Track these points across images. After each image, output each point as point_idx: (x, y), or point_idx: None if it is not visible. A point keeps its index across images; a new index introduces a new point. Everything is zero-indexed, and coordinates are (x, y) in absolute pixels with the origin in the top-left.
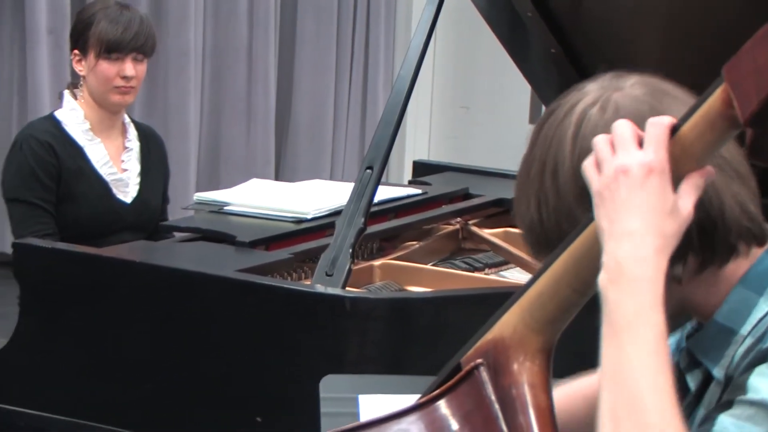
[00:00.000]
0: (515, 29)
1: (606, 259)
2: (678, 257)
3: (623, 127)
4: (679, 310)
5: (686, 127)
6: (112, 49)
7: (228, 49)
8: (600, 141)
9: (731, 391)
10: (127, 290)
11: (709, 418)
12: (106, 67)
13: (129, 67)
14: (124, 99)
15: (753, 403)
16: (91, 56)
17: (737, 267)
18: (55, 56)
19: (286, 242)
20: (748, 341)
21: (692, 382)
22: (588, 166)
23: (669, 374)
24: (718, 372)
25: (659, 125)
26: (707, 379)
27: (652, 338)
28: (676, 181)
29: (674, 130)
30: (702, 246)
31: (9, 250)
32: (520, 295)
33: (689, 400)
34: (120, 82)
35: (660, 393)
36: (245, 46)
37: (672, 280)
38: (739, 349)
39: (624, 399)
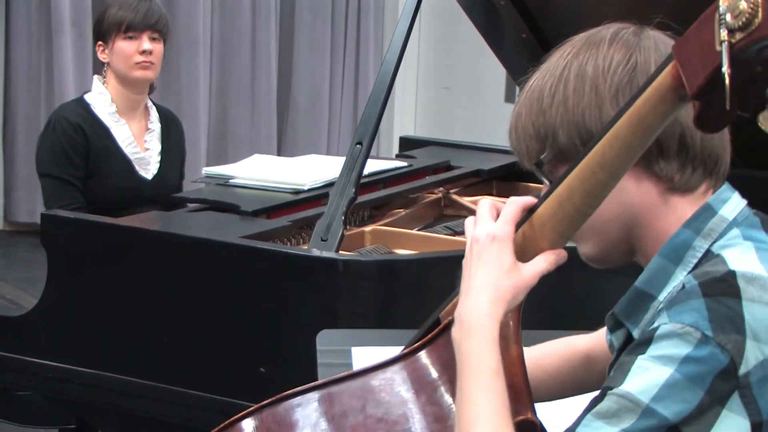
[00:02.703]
0: (490, 16)
1: (456, 312)
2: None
3: (482, 206)
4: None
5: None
6: (127, 29)
7: (233, 38)
8: (468, 220)
9: (617, 368)
10: (143, 256)
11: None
12: (125, 46)
13: (146, 42)
14: (145, 74)
15: (622, 397)
16: (112, 41)
17: (671, 227)
18: (78, 46)
19: (285, 211)
20: (662, 306)
21: (616, 341)
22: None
23: (499, 402)
24: (637, 333)
25: (514, 203)
26: (629, 338)
27: (484, 374)
28: (531, 251)
29: (531, 210)
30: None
31: (38, 221)
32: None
33: (615, 356)
34: (140, 58)
35: (486, 421)
36: (249, 35)
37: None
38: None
39: (462, 424)
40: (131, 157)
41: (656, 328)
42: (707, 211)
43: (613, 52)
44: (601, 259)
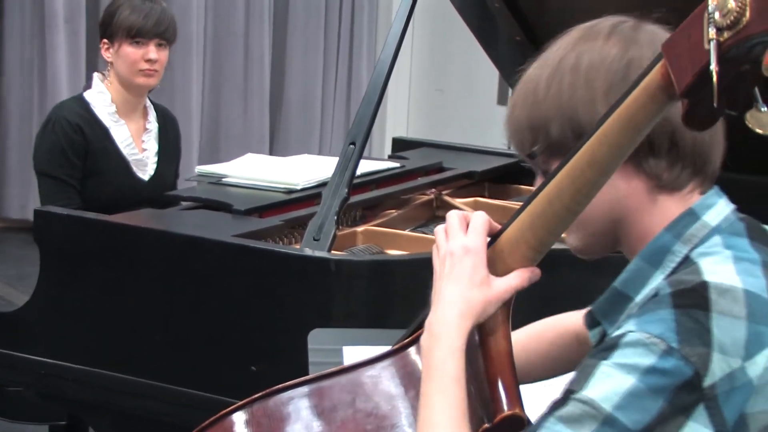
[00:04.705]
0: (484, 19)
1: (427, 321)
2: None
3: (452, 218)
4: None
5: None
6: (135, 35)
7: (227, 36)
8: (439, 230)
9: (580, 369)
10: (135, 253)
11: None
12: (131, 51)
13: (152, 51)
14: (148, 81)
15: (584, 403)
16: (118, 42)
17: (656, 225)
18: (71, 43)
19: (277, 210)
20: (632, 311)
21: (593, 338)
22: (433, 250)
23: (456, 410)
24: (612, 332)
25: (481, 216)
26: (604, 336)
27: (444, 381)
28: (504, 267)
29: (497, 235)
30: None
31: (32, 217)
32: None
33: (591, 352)
34: (144, 65)
35: (441, 426)
36: (242, 33)
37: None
38: None
39: (419, 427)
40: (129, 157)
41: (622, 335)
42: (690, 216)
43: (610, 46)
44: (587, 251)
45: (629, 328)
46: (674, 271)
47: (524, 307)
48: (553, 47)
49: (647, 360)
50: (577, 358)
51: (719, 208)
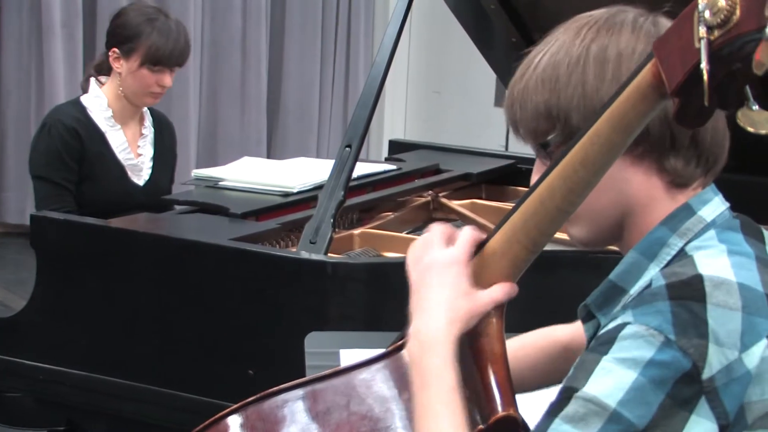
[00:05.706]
0: (480, 21)
1: (410, 329)
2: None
3: (435, 231)
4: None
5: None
6: (157, 62)
7: (224, 40)
8: (416, 244)
9: (579, 365)
10: (132, 257)
11: (550, 413)
12: (148, 75)
13: (168, 79)
14: (154, 102)
15: (588, 400)
16: (135, 61)
17: (657, 218)
18: (68, 48)
19: (274, 214)
20: (628, 303)
21: (587, 332)
22: (408, 263)
23: (459, 418)
24: (607, 324)
25: (469, 230)
26: (599, 329)
27: (444, 391)
28: (495, 270)
29: (483, 244)
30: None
31: (28, 222)
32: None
33: (586, 346)
34: (157, 89)
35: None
36: (239, 37)
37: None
38: None
39: None
40: (124, 163)
41: (620, 328)
42: (686, 211)
43: (635, 40)
44: (589, 243)
45: (626, 320)
46: (669, 264)
47: (526, 307)
48: (569, 33)
49: (646, 353)
50: (566, 370)
51: (714, 205)
